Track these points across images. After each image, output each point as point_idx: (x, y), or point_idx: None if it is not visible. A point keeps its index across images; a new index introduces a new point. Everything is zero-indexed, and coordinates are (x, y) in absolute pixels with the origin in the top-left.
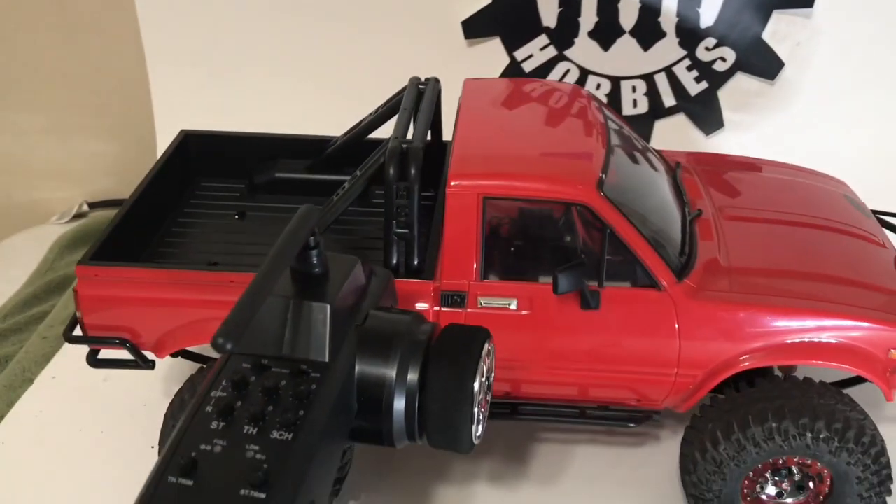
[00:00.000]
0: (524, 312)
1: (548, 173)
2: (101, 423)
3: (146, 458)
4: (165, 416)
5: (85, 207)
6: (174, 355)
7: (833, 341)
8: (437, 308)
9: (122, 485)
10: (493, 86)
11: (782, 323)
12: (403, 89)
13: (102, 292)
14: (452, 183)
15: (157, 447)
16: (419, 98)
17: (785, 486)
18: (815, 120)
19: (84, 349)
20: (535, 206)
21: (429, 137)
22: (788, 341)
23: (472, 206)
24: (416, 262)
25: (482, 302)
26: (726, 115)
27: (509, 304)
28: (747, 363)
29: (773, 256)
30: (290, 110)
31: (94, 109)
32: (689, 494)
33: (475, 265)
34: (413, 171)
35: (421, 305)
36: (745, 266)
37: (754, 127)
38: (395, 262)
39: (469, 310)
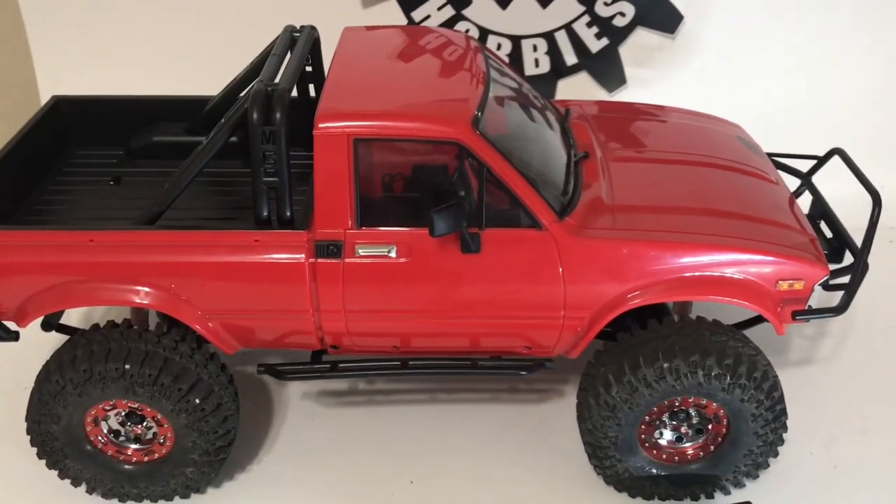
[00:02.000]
0: (404, 260)
1: (421, 113)
2: None
3: (23, 443)
4: (32, 391)
5: None
6: (49, 329)
7: (721, 275)
8: (312, 260)
9: None
10: (373, 33)
11: (668, 258)
12: (277, 38)
13: None
14: (320, 125)
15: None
16: (292, 45)
17: (683, 430)
18: (716, 72)
19: None
20: (411, 148)
21: (313, 94)
22: (676, 277)
23: (343, 148)
24: (287, 213)
25: (360, 251)
26: (628, 71)
27: (389, 252)
28: (636, 300)
29: (660, 194)
30: (181, 73)
31: None
32: (586, 443)
33: (350, 212)
34: (279, 115)
35: (295, 257)
36: (630, 204)
37: (657, 82)
38: (265, 213)
39: (347, 260)
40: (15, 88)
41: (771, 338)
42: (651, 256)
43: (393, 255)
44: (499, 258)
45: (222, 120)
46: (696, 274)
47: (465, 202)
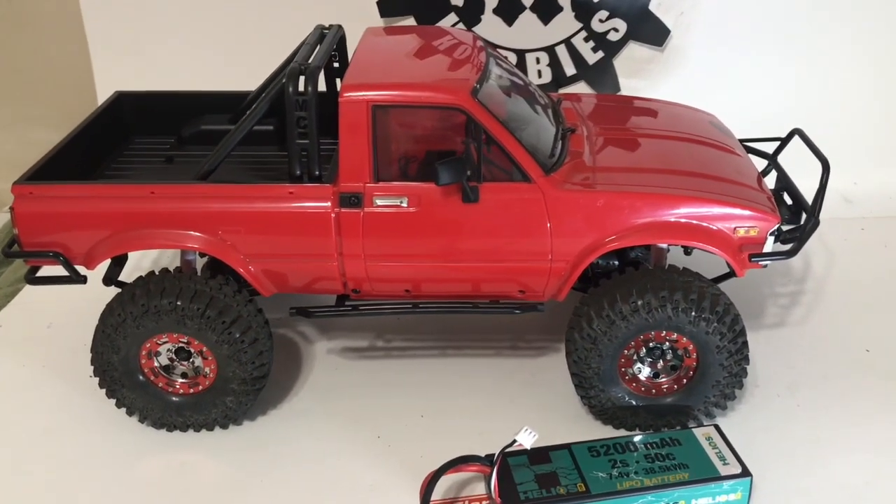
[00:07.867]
0: (413, 209)
1: (429, 84)
2: (43, 360)
3: (85, 385)
4: (97, 326)
5: None
6: (109, 283)
7: (687, 222)
8: (337, 209)
9: (63, 403)
10: (392, 30)
11: (640, 208)
12: (307, 36)
13: (36, 209)
14: (345, 94)
15: (93, 376)
16: (322, 37)
17: (659, 366)
18: (700, 82)
19: (31, 301)
20: (420, 114)
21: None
22: (646, 223)
23: (363, 113)
24: (316, 171)
25: (377, 201)
26: (622, 80)
27: (401, 202)
28: (612, 244)
29: (635, 158)
30: (223, 72)
31: (41, 101)
32: (573, 374)
33: (369, 169)
34: (310, 88)
35: (322, 206)
36: (608, 165)
37: (647, 91)
38: (298, 171)
39: (366, 209)
40: (75, 87)
41: (748, 305)
42: (624, 206)
43: (404, 205)
44: (494, 207)
45: (263, 94)
46: (665, 220)
47: (465, 158)
